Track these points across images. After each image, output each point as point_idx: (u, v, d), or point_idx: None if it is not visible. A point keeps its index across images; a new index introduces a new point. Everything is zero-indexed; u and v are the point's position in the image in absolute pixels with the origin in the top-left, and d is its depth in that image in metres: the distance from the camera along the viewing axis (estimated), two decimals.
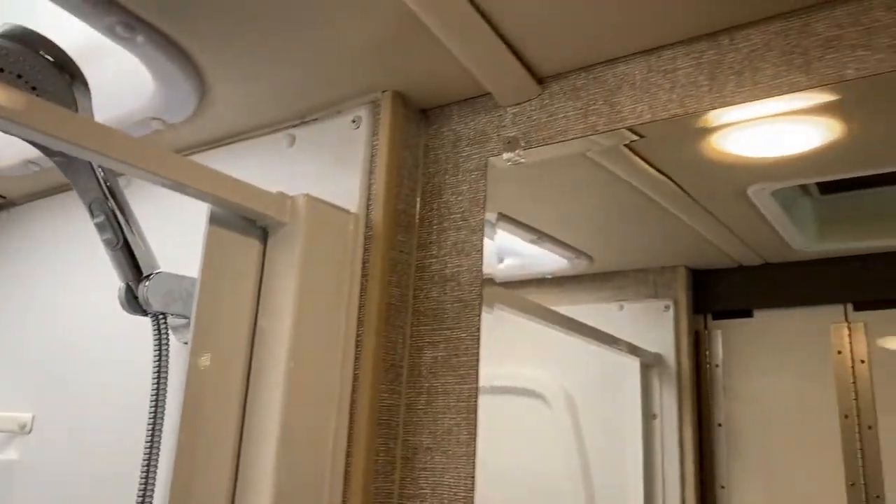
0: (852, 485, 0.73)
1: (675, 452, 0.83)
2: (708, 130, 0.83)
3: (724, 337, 0.84)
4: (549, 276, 0.96)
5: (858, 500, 0.72)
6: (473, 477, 0.82)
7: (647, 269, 0.90)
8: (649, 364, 0.87)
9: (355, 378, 0.86)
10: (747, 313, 0.84)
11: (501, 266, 0.99)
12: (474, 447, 0.83)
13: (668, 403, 0.85)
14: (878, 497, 0.71)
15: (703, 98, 0.78)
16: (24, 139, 0.73)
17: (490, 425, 0.92)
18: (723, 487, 0.80)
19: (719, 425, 0.82)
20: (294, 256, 0.84)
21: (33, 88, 0.86)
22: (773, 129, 0.83)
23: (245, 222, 0.85)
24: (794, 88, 0.73)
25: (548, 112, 0.89)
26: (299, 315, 0.83)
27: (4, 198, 1.52)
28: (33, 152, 1.23)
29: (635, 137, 0.85)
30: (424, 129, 0.99)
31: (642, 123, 0.81)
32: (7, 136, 0.73)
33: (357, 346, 0.87)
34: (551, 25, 0.81)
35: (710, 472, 0.81)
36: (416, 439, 0.87)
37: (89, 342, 1.23)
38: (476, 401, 0.84)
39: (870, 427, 0.73)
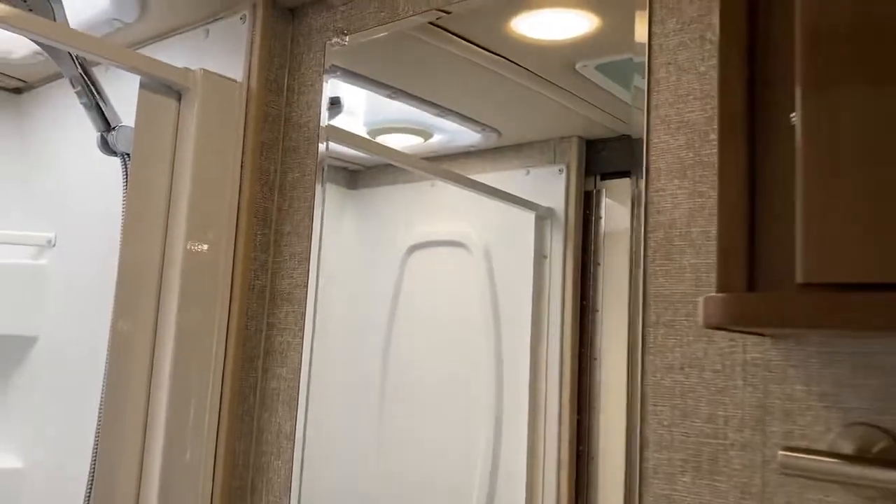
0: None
1: (559, 284, 1.01)
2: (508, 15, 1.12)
3: (608, 194, 1.01)
4: (473, 149, 1.19)
5: None
6: (318, 250, 1.32)
7: (548, 140, 1.05)
8: (543, 216, 1.04)
9: (240, 190, 1.35)
10: (626, 174, 0.99)
11: (433, 140, 1.37)
12: (316, 230, 1.32)
13: (556, 247, 1.02)
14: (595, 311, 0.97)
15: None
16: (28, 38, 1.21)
17: (423, 271, 1.20)
18: (597, 311, 0.97)
19: (598, 264, 0.99)
20: (195, 109, 1.32)
21: (25, 1, 1.33)
22: (556, 18, 1.09)
23: (164, 87, 1.33)
24: (431, 7, 1.16)
25: (360, 9, 1.32)
26: (200, 144, 1.31)
27: (25, 82, 2.01)
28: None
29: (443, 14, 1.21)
30: (290, 22, 1.44)
31: (417, 13, 1.25)
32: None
33: (241, 168, 1.36)
34: None
35: (589, 299, 0.98)
36: (283, 227, 1.38)
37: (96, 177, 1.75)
38: (313, 201, 1.33)
39: None
